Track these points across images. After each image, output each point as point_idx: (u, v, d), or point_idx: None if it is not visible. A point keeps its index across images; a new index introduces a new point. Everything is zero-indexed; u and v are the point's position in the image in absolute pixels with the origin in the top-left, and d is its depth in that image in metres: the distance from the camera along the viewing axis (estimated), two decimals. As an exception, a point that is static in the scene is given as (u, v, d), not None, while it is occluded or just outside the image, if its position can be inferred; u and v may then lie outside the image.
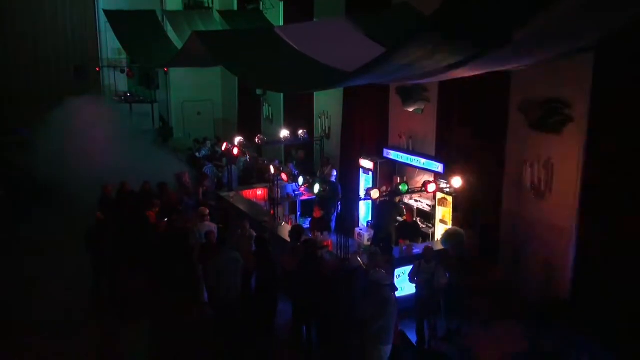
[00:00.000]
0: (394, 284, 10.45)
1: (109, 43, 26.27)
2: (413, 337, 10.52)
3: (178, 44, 20.40)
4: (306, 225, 14.00)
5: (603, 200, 10.98)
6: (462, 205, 12.65)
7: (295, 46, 12.28)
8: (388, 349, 8.91)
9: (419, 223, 13.76)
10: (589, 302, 11.04)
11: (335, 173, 16.28)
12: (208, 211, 13.07)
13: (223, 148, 18.28)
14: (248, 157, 18.50)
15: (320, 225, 13.50)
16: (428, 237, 13.42)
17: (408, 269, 11.40)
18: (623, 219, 10.63)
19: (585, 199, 11.28)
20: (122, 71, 26.16)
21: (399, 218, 13.67)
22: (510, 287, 12.25)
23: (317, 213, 13.94)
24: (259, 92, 22.50)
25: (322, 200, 14.41)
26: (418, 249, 12.18)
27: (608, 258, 10.92)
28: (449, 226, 12.72)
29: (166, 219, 13.37)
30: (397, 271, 11.45)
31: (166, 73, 26.70)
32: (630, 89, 10.37)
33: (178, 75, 26.54)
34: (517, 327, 10.85)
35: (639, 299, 9.47)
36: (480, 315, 11.30)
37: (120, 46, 23.77)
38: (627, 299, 10.05)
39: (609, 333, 9.55)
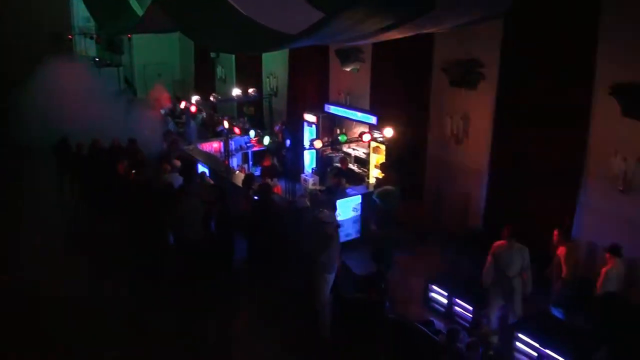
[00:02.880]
0: (336, 221, 10.59)
1: (80, 12, 25.29)
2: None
3: (140, 12, 19.72)
4: (257, 173, 13.96)
5: (509, 146, 11.31)
6: (393, 151, 12.77)
7: (242, 10, 11.99)
8: (331, 277, 9.04)
9: (354, 169, 13.92)
10: (496, 230, 11.47)
11: (278, 127, 16.25)
12: (179, 163, 12.91)
13: (182, 106, 17.93)
14: (204, 114, 18.24)
15: (270, 172, 13.46)
16: (363, 180, 13.55)
17: (347, 207, 11.62)
18: (525, 162, 11.00)
19: (495, 144, 11.59)
20: (92, 37, 25.26)
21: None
22: (433, 220, 12.59)
23: (267, 162, 13.92)
24: (212, 55, 22.02)
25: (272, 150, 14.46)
26: (355, 190, 12.35)
27: (510, 193, 11.35)
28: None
29: (134, 171, 13.16)
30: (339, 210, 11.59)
31: (130, 39, 25.87)
32: (532, 51, 10.61)
33: (140, 41, 25.73)
34: (438, 252, 11.24)
35: (534, 228, 9.85)
36: (408, 244, 11.60)
37: (89, 14, 22.92)
38: (525, 229, 10.47)
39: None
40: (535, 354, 8.43)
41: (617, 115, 9.24)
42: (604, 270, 8.59)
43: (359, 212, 11.93)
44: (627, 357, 8.10)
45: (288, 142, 14.84)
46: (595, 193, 9.87)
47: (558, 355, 8.17)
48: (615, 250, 8.66)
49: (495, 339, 8.87)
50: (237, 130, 14.74)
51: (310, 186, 13.03)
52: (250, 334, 9.57)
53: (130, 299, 10.52)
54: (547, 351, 8.27)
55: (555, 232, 9.12)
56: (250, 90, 17.19)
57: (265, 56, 19.19)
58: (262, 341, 9.30)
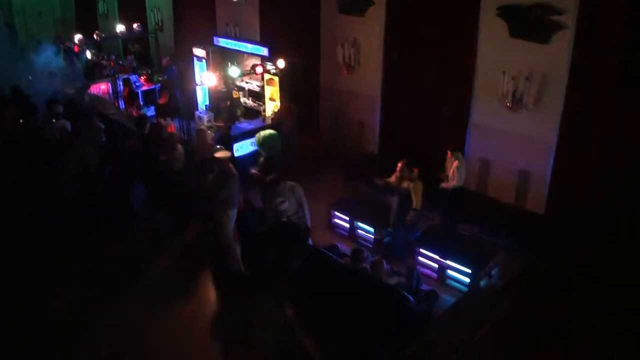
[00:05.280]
0: (233, 157, 10.34)
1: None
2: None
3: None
4: (151, 112, 13.31)
5: (400, 71, 11.34)
6: (287, 83, 12.49)
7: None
8: (234, 213, 8.83)
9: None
10: (389, 153, 11.68)
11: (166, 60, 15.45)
12: (62, 108, 11.98)
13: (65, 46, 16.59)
14: (89, 54, 16.98)
15: (165, 111, 12.87)
16: (259, 113, 13.23)
17: (245, 142, 11.37)
18: (416, 86, 11.09)
19: (386, 70, 11.59)
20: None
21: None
22: (330, 148, 12.61)
23: (163, 100, 13.29)
24: (93, -12, 20.42)
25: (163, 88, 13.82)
26: (252, 125, 12.06)
27: (403, 118, 11.49)
28: (277, 103, 12.62)
29: (21, 120, 12.10)
30: (236, 145, 11.33)
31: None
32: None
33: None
34: (337, 179, 11.28)
35: (427, 151, 10.08)
36: (309, 175, 11.53)
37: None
38: (419, 153, 10.65)
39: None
40: (435, 265, 8.83)
41: (504, 36, 9.43)
42: (456, 163, 9.21)
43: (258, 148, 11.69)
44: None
45: (172, 77, 14.17)
46: (485, 112, 10.15)
47: (458, 264, 8.59)
48: (456, 149, 9.34)
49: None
50: (123, 69, 13.90)
51: (205, 123, 12.57)
52: (161, 279, 9.19)
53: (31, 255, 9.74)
54: (448, 262, 8.67)
55: (399, 166, 9.13)
56: (135, 26, 16.18)
57: (147, -12, 18.01)
58: (173, 285, 8.96)
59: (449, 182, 9.38)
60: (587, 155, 9.16)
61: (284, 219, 8.45)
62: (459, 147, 9.55)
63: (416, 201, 9.01)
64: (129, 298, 8.68)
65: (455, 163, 9.26)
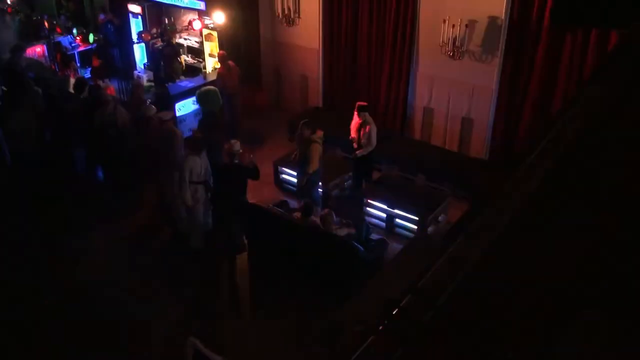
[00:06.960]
0: (176, 117, 9.89)
1: None
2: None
3: None
4: (87, 75, 12.52)
5: (341, 22, 10.96)
6: (227, 38, 11.91)
7: None
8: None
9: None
10: (334, 105, 11.42)
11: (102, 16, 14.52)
12: None
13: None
14: (22, 14, 15.79)
15: (100, 73, 12.11)
16: (200, 71, 12.60)
17: (187, 101, 10.88)
18: (357, 38, 10.77)
19: (326, 22, 11.19)
20: None
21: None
22: (274, 104, 12.22)
23: (96, 62, 12.50)
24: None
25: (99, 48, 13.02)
26: (192, 82, 11.51)
27: (346, 70, 11.19)
28: (217, 59, 12.04)
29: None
30: (178, 105, 10.81)
31: None
32: None
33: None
34: (283, 134, 10.92)
35: (367, 99, 9.80)
36: (253, 132, 11.19)
37: None
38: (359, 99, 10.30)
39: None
40: (384, 214, 8.74)
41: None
42: (368, 128, 8.77)
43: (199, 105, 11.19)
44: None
45: (108, 36, 13.32)
46: (427, 60, 9.93)
47: (405, 212, 8.53)
48: (363, 108, 8.84)
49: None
50: (58, 29, 12.96)
51: (145, 83, 11.91)
52: (114, 251, 8.73)
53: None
54: (395, 210, 8.60)
55: (301, 125, 8.61)
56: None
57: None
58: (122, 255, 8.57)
59: (363, 149, 8.91)
60: (527, 101, 9.12)
61: (236, 161, 8.07)
62: (365, 107, 8.92)
63: (311, 165, 8.52)
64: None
65: (367, 128, 8.76)
